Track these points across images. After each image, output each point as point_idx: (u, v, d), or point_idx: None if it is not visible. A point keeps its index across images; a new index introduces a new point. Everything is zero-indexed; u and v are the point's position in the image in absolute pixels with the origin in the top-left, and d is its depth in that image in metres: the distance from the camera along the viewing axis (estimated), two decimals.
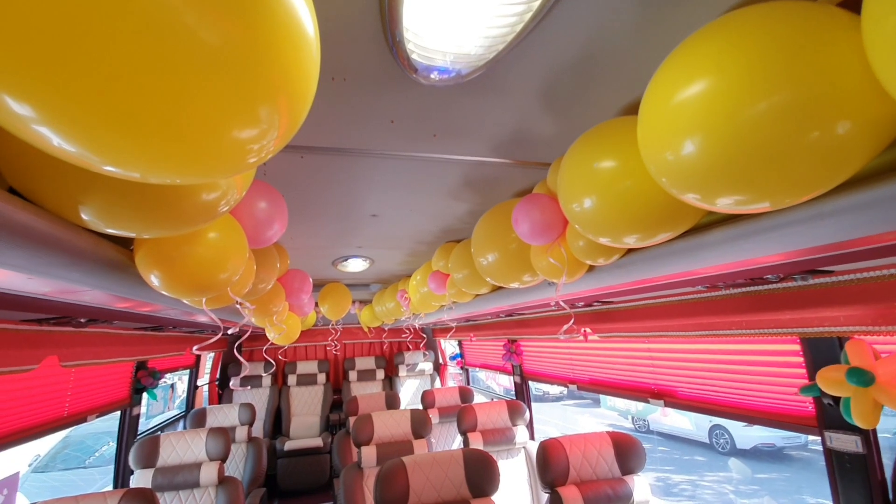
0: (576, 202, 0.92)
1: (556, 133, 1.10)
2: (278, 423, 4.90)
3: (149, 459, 2.57)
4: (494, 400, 3.73)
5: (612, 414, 11.17)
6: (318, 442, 4.56)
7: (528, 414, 3.17)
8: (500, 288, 1.99)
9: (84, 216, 0.62)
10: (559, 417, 11.23)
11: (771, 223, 0.84)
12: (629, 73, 0.88)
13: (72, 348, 1.91)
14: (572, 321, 1.76)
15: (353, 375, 5.24)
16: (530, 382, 3.61)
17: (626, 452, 2.05)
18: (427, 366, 5.44)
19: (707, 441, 8.58)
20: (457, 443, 3.91)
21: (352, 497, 2.63)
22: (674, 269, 1.09)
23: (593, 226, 0.93)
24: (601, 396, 12.16)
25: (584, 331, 1.83)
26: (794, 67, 0.52)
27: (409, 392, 5.30)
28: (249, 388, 4.82)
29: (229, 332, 2.17)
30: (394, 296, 3.20)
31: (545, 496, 2.66)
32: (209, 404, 4.48)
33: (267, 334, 2.80)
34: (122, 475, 2.85)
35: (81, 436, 5.95)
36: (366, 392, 4.14)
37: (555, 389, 13.47)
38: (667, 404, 2.16)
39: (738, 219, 0.91)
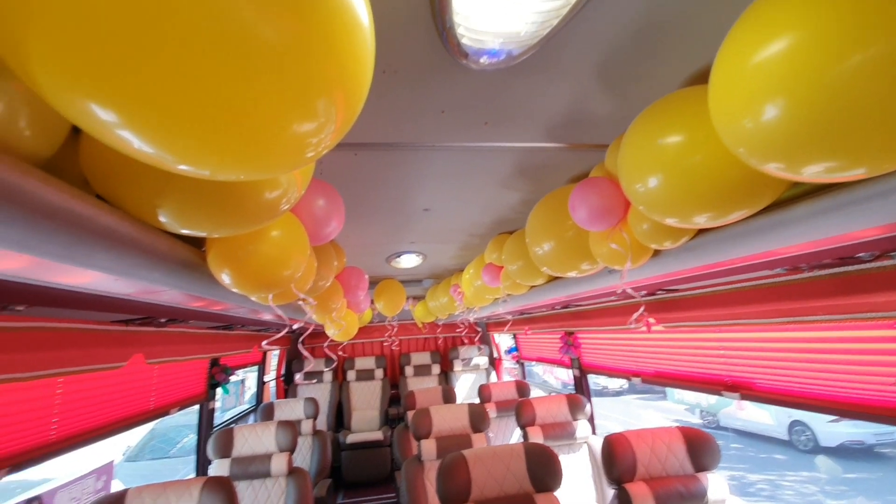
0: (639, 182, 0.87)
1: (614, 112, 1.05)
2: (340, 416, 5.08)
3: (225, 450, 2.73)
4: (552, 394, 3.66)
5: (678, 408, 10.65)
6: (378, 435, 4.68)
7: (588, 408, 3.08)
8: (557, 278, 1.94)
9: (161, 218, 0.66)
10: (620, 412, 10.85)
11: (866, 192, 0.75)
12: (695, 39, 0.82)
13: (154, 346, 2.06)
14: (642, 309, 1.68)
15: (409, 371, 5.33)
16: (589, 377, 3.51)
17: (699, 448, 1.94)
18: (482, 360, 5.43)
19: (786, 438, 7.98)
20: (515, 437, 3.88)
21: (413, 490, 2.67)
22: (750, 249, 1.01)
23: (659, 206, 0.87)
24: (667, 390, 11.65)
25: (648, 321, 1.75)
26: (891, 13, 0.46)
27: (465, 387, 5.31)
28: (316, 381, 5.00)
29: (294, 327, 2.26)
30: (447, 291, 3.21)
31: (611, 493, 2.58)
32: (276, 398, 4.72)
33: (326, 331, 2.90)
34: (202, 464, 3.05)
35: (165, 428, 6.47)
36: (422, 387, 4.20)
37: (614, 384, 13.05)
38: (743, 397, 2.02)
39: (825, 190, 0.83)
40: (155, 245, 0.72)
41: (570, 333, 3.48)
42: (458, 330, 5.55)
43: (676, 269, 1.22)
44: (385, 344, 5.51)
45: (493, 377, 5.41)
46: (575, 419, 2.97)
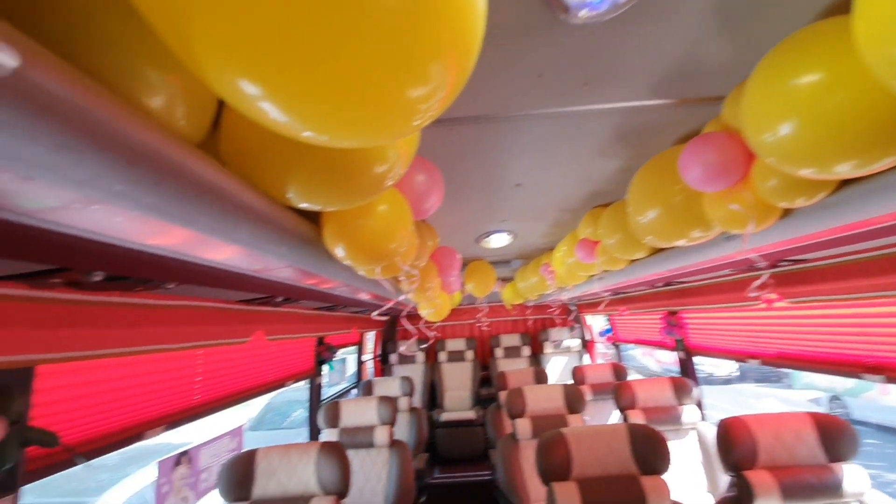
0: (769, 131, 0.78)
1: (733, 58, 0.94)
2: (433, 396, 5.26)
3: (333, 421, 2.97)
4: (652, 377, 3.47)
5: (800, 398, 9.47)
6: (470, 415, 4.78)
7: (696, 392, 2.88)
8: (660, 251, 1.82)
9: (288, 194, 0.72)
10: (730, 402, 9.92)
11: None
12: None
13: (272, 325, 2.29)
14: (765, 276, 1.51)
15: (498, 352, 5.36)
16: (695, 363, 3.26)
17: (834, 436, 1.73)
18: (574, 342, 5.30)
19: None
20: (612, 421, 3.75)
21: (509, 468, 2.70)
22: None
23: (793, 156, 0.78)
24: (791, 376, 10.42)
25: (768, 297, 1.57)
26: None
27: (557, 369, 5.23)
28: (417, 350, 5.18)
29: (401, 298, 2.37)
30: (536, 271, 3.16)
31: (724, 480, 2.39)
32: (374, 377, 5.01)
33: (420, 312, 3.01)
34: (313, 432, 3.35)
35: (278, 403, 7.19)
36: (512, 368, 4.20)
37: (722, 370, 12.00)
38: (890, 380, 1.75)
39: None
40: (282, 221, 0.79)
41: (673, 313, 3.26)
42: (548, 311, 5.45)
43: (810, 232, 1.07)
44: (477, 325, 5.57)
45: (586, 360, 5.26)
46: (681, 403, 2.79)
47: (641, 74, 0.99)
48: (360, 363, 4.78)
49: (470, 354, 5.34)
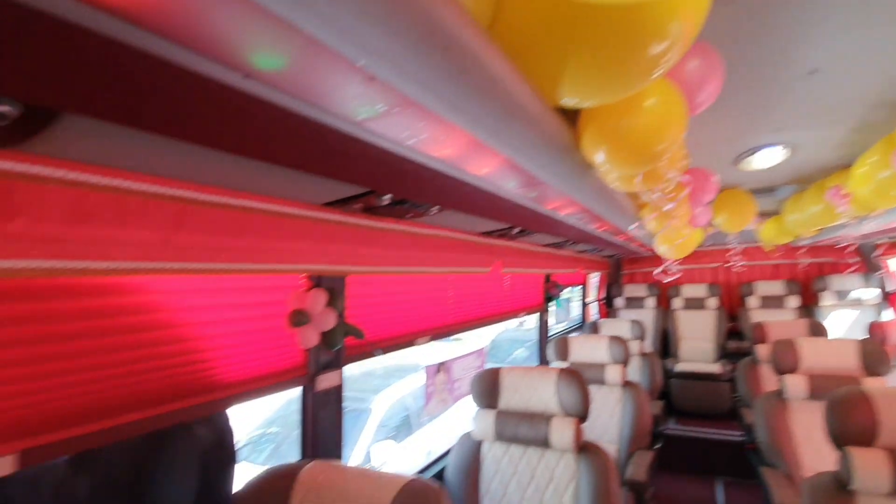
0: None
1: None
2: (664, 344, 4.87)
3: (562, 354, 3.04)
4: None
5: None
6: (714, 368, 4.28)
7: None
8: None
9: (558, 86, 0.70)
10: None
11: None
12: None
13: (507, 257, 2.43)
14: None
15: (751, 301, 4.56)
16: None
17: None
18: (869, 293, 4.09)
19: None
20: None
21: (774, 429, 2.31)
22: None
23: None
24: None
25: None
26: None
27: (840, 325, 4.16)
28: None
29: (636, 231, 2.22)
30: (819, 196, 2.48)
31: None
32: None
33: (657, 249, 2.74)
34: (542, 364, 3.52)
35: (500, 341, 7.82)
36: (772, 320, 3.51)
37: None
38: None
39: None
40: (547, 123, 0.77)
41: None
42: (829, 253, 4.32)
43: None
44: (728, 266, 4.82)
45: (887, 316, 4.01)
46: None
47: None
48: (585, 305, 4.74)
49: (713, 302, 4.70)
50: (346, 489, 1.00)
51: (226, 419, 1.21)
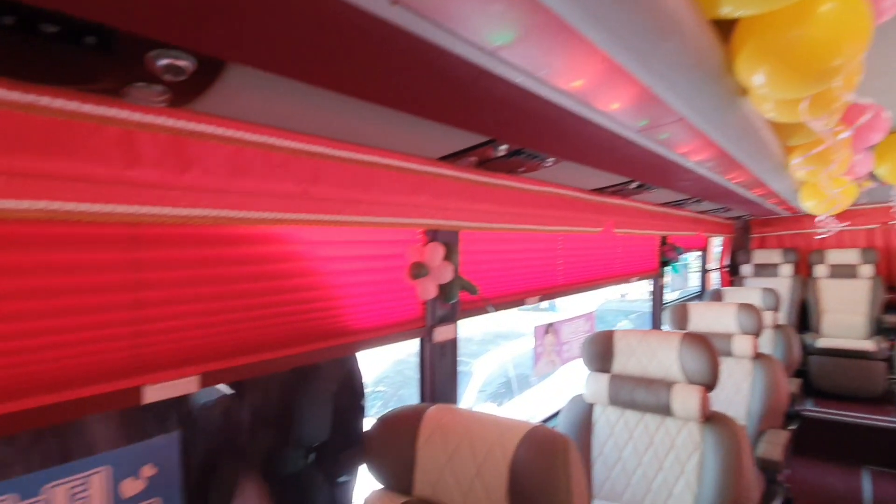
0: None
1: None
2: (803, 317, 4.29)
3: (681, 323, 2.81)
4: None
5: None
6: (866, 345, 3.69)
7: None
8: None
9: None
10: None
11: None
12: None
13: (620, 217, 2.28)
14: None
15: None
16: None
17: None
18: None
19: None
20: None
21: None
22: None
23: None
24: None
25: None
26: None
27: None
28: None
29: (778, 189, 1.95)
30: None
31: None
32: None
33: (802, 204, 2.39)
34: None
35: (602, 312, 7.50)
36: None
37: None
38: None
39: None
40: (701, 38, 0.68)
41: None
42: None
43: None
44: (882, 230, 4.09)
45: None
46: None
47: None
48: (705, 272, 4.32)
49: (867, 270, 4.01)
50: (471, 430, 1.04)
51: (355, 362, 1.31)
